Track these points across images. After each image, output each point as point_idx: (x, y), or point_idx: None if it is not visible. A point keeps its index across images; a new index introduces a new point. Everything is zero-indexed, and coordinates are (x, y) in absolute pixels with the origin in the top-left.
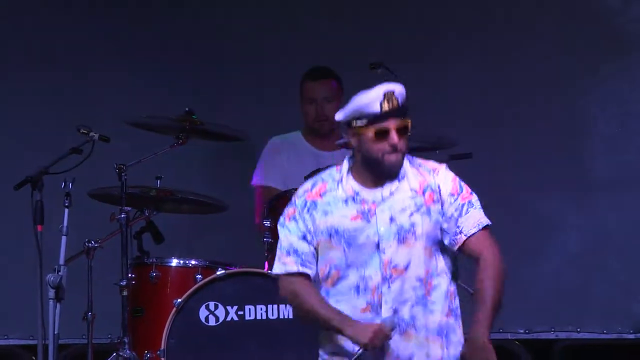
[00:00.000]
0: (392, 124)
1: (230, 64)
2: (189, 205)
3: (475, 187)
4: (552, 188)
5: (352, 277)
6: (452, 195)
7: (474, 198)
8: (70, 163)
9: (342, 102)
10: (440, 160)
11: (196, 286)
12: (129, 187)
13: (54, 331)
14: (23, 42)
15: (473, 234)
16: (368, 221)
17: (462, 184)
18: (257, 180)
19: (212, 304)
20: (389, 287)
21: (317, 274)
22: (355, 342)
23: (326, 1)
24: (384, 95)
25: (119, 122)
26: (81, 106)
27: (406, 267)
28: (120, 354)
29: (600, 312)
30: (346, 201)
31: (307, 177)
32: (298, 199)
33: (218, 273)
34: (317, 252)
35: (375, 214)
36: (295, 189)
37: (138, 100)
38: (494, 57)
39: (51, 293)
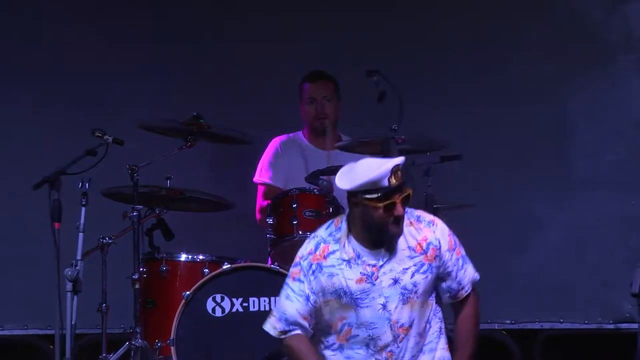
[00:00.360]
0: (397, 198)
1: (234, 71)
2: (197, 203)
3: (464, 186)
4: (537, 188)
5: (363, 336)
6: (449, 251)
7: (463, 250)
8: (86, 164)
9: (339, 102)
10: (431, 162)
11: (203, 279)
12: (140, 186)
13: (70, 322)
14: (41, 49)
15: (460, 291)
16: (373, 284)
17: (454, 236)
18: (258, 178)
19: (218, 296)
20: (398, 346)
21: (328, 326)
22: None
23: (323, 10)
24: (391, 171)
25: (131, 126)
26: (95, 110)
27: (411, 325)
28: (133, 343)
29: (582, 303)
30: (349, 263)
31: (307, 179)
32: (303, 261)
33: (224, 267)
34: (319, 311)
35: (379, 276)
36: (297, 189)
37: (148, 105)
38: (483, 65)
39: (68, 286)
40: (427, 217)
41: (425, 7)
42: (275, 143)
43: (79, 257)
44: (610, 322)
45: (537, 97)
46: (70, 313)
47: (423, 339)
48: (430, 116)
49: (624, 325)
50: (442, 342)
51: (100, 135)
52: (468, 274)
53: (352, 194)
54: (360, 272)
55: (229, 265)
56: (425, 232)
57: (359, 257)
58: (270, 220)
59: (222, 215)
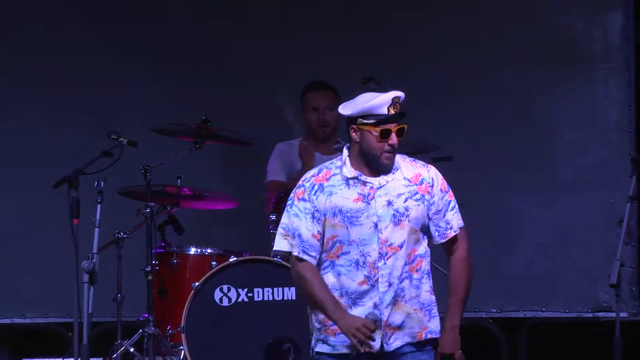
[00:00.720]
0: (394, 127)
1: (241, 78)
2: (206, 201)
3: (455, 186)
4: (523, 187)
5: (353, 253)
6: (442, 191)
7: (451, 194)
8: (102, 165)
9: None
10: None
11: (211, 271)
12: (153, 185)
13: (88, 310)
14: (60, 57)
15: (450, 231)
16: (368, 203)
17: (447, 183)
18: (267, 179)
19: (225, 287)
20: (384, 263)
21: (322, 245)
22: (344, 333)
23: (321, 22)
24: (392, 100)
25: (144, 129)
26: (110, 114)
27: (400, 246)
28: (146, 330)
29: (563, 294)
30: (348, 184)
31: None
32: (307, 182)
33: (230, 260)
34: (323, 230)
35: (374, 197)
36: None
37: (160, 110)
38: (473, 72)
39: (85, 277)
40: (423, 162)
41: (415, 27)
42: (279, 148)
43: (95, 251)
44: (589, 311)
45: (524, 102)
46: (87, 302)
47: (409, 266)
48: (422, 121)
49: (601, 314)
50: (428, 285)
51: (115, 137)
52: (456, 217)
53: (352, 121)
54: (358, 192)
55: (235, 259)
56: (420, 169)
57: (357, 178)
58: (273, 217)
59: (229, 212)
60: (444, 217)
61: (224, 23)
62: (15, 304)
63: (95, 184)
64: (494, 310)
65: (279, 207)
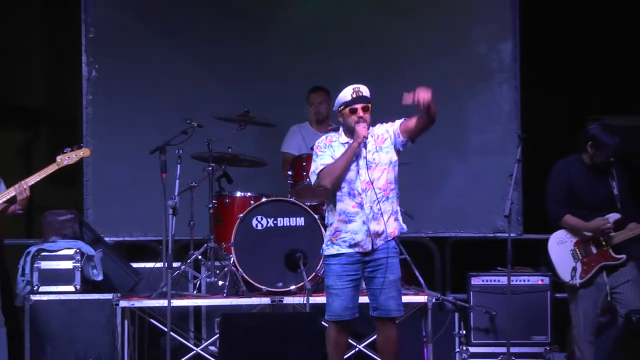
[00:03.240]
0: (359, 105)
1: (268, 81)
2: (246, 162)
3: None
4: (447, 152)
5: (346, 188)
6: (392, 126)
7: (397, 121)
8: (181, 139)
9: (329, 104)
10: None
11: (250, 207)
12: (213, 152)
13: (171, 232)
14: (156, 66)
15: (401, 123)
16: (359, 156)
17: (396, 121)
18: (283, 148)
19: (259, 217)
20: (366, 194)
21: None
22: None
23: (318, 44)
24: (353, 89)
25: (208, 116)
26: (187, 106)
27: (372, 182)
28: (209, 245)
29: (474, 221)
30: (343, 145)
31: (311, 148)
32: (321, 142)
33: (262, 200)
34: None
35: (358, 154)
36: (305, 153)
37: (218, 102)
38: (420, 78)
39: (170, 211)
40: (384, 124)
41: (381, 52)
42: (292, 128)
43: (176, 194)
44: (491, 232)
45: (451, 98)
46: (171, 227)
47: (383, 196)
48: (381, 111)
49: (498, 235)
50: (395, 200)
51: (189, 121)
52: (400, 120)
53: (337, 112)
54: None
55: (265, 199)
56: (382, 130)
57: (347, 143)
58: (290, 172)
59: (261, 169)
60: (396, 134)
61: (256, 43)
62: (125, 227)
63: (177, 151)
64: (430, 232)
65: (294, 167)
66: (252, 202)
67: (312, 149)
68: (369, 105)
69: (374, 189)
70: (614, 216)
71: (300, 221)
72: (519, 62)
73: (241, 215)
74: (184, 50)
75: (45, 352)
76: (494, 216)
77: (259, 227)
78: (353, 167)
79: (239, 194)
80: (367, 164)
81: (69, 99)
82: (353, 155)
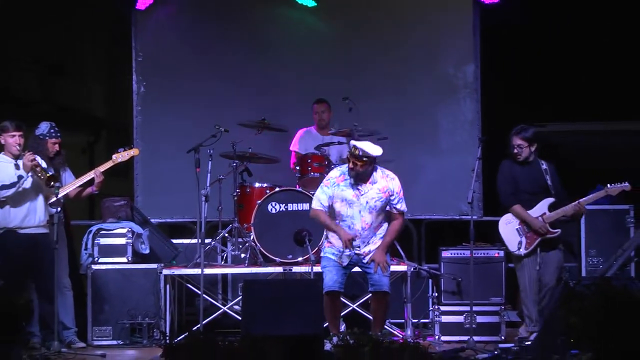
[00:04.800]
0: (357, 161)
1: (282, 95)
2: (263, 159)
3: (389, 150)
4: (423, 151)
5: (347, 222)
6: (397, 194)
7: (402, 194)
8: (211, 141)
9: (330, 112)
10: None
11: (267, 195)
12: (237, 151)
13: (204, 215)
14: (184, 80)
15: (393, 205)
16: (358, 198)
17: (400, 187)
18: (291, 147)
19: (274, 203)
20: (363, 228)
21: (331, 213)
22: (341, 237)
23: (321, 65)
24: (352, 147)
25: (232, 122)
26: (217, 114)
27: (370, 223)
28: (234, 225)
29: (443, 206)
30: (350, 187)
31: (315, 148)
32: (331, 179)
33: (276, 189)
34: (332, 204)
35: (360, 198)
36: (310, 152)
37: (240, 111)
38: (403, 94)
39: (203, 198)
40: (392, 175)
41: (368, 68)
42: (300, 131)
43: (208, 185)
44: (457, 215)
45: (425, 109)
46: (204, 210)
47: (375, 231)
48: (370, 118)
49: (463, 217)
50: (381, 236)
51: (218, 126)
52: (401, 206)
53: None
54: (353, 192)
55: (278, 189)
56: (388, 183)
57: (353, 186)
58: (297, 167)
59: (274, 165)
60: (395, 204)
61: (272, 64)
62: (167, 211)
63: (208, 151)
64: (409, 215)
65: (301, 163)
66: (267, 191)
67: (315, 148)
68: (365, 160)
69: (368, 227)
70: (548, 200)
71: (306, 206)
72: (480, 81)
73: (259, 201)
74: (214, 70)
75: (104, 310)
76: (459, 202)
77: (273, 211)
78: (355, 207)
79: (257, 184)
80: (369, 209)
81: (123, 109)
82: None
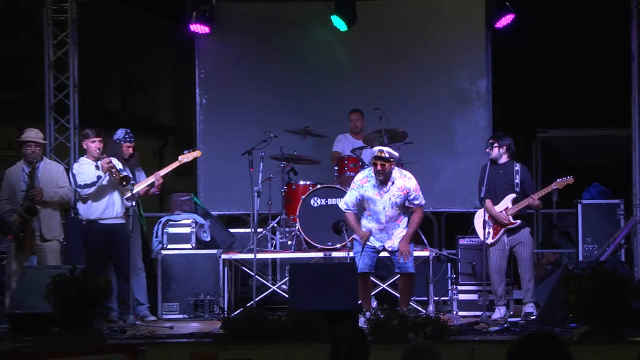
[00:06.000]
0: (379, 162)
1: (323, 105)
2: (306, 161)
3: (412, 152)
4: (440, 153)
5: (374, 217)
6: (414, 191)
7: (419, 192)
8: (262, 145)
9: (364, 121)
10: (400, 144)
11: (310, 191)
12: (284, 154)
13: (256, 208)
14: (240, 93)
15: (411, 200)
16: (381, 197)
17: (417, 185)
18: (333, 149)
19: (316, 197)
20: (387, 221)
21: (363, 208)
22: (360, 236)
23: (356, 80)
24: (379, 151)
25: (280, 129)
26: (268, 121)
27: (392, 216)
28: (282, 217)
29: (460, 200)
30: (374, 187)
31: (352, 150)
32: (356, 182)
33: (317, 186)
34: (360, 203)
35: (383, 196)
36: (347, 154)
37: (287, 119)
38: (420, 105)
39: (255, 194)
40: (408, 175)
41: (395, 82)
42: (339, 137)
43: (259, 183)
44: (472, 208)
45: (444, 118)
46: (256, 204)
47: (397, 222)
48: (397, 126)
49: (476, 210)
50: (403, 228)
51: (268, 132)
52: (419, 201)
53: (372, 158)
54: (378, 192)
55: (319, 185)
56: (405, 182)
57: (376, 186)
58: (336, 167)
59: (317, 165)
60: (413, 200)
61: (313, 80)
62: (225, 204)
63: (260, 154)
64: (430, 208)
65: (339, 163)
66: (310, 187)
67: (351, 151)
68: (388, 162)
69: (390, 219)
70: (512, 195)
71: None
72: (491, 93)
73: (303, 196)
74: (264, 84)
75: (171, 289)
76: (473, 197)
77: (315, 204)
78: (379, 204)
79: (301, 182)
80: (391, 205)
81: (187, 118)
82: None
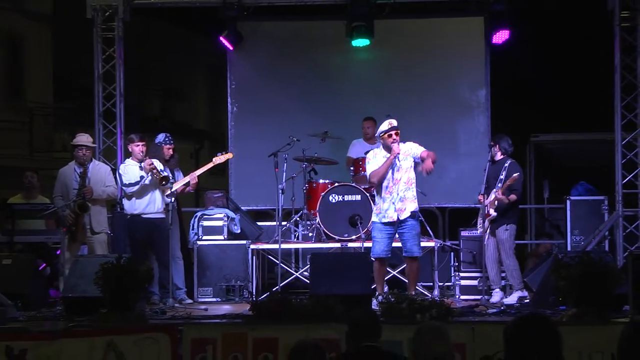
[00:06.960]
0: (393, 132)
1: (340, 113)
2: (325, 162)
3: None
4: (446, 155)
5: (385, 182)
6: (414, 147)
7: (416, 146)
8: (286, 148)
9: (375, 127)
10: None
11: (329, 189)
12: (306, 156)
13: (281, 203)
14: (267, 101)
15: (422, 152)
16: (395, 165)
17: (412, 143)
18: (348, 154)
19: (334, 194)
20: (395, 186)
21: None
22: (393, 152)
23: (369, 92)
24: (388, 122)
25: (303, 133)
26: (292, 127)
27: (400, 179)
28: (304, 211)
29: (461, 196)
30: (383, 157)
31: (365, 153)
32: (370, 155)
33: (335, 185)
34: None
35: (395, 164)
36: (361, 157)
37: (309, 125)
38: (425, 113)
39: (280, 191)
40: (409, 143)
41: (403, 94)
42: (353, 142)
43: (283, 181)
44: (473, 204)
45: (447, 124)
46: (281, 200)
47: (405, 187)
48: (405, 131)
49: (477, 205)
50: (414, 189)
51: (292, 136)
52: (420, 149)
53: (379, 136)
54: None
55: (337, 184)
56: (406, 147)
57: (385, 156)
58: (352, 168)
59: (334, 166)
60: (417, 153)
61: (333, 89)
62: (254, 200)
63: (284, 155)
64: (436, 204)
65: (355, 165)
66: (329, 186)
67: (365, 154)
68: (398, 131)
69: (400, 183)
70: (493, 192)
71: (358, 197)
72: (489, 101)
73: (323, 193)
74: (289, 93)
75: (206, 275)
76: (474, 194)
77: (334, 200)
78: (394, 171)
79: (321, 181)
80: (399, 168)
81: (220, 124)
82: (390, 164)
